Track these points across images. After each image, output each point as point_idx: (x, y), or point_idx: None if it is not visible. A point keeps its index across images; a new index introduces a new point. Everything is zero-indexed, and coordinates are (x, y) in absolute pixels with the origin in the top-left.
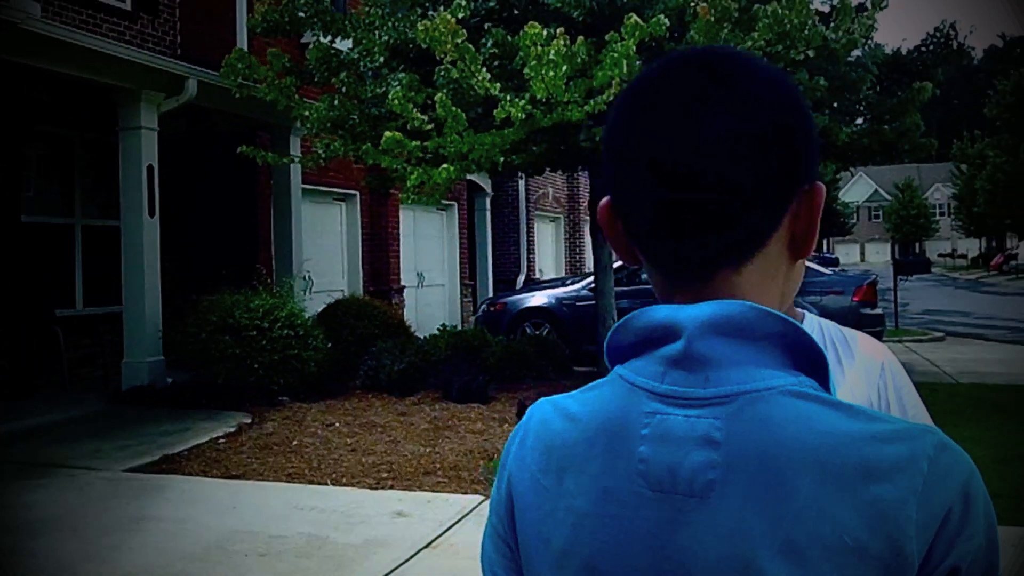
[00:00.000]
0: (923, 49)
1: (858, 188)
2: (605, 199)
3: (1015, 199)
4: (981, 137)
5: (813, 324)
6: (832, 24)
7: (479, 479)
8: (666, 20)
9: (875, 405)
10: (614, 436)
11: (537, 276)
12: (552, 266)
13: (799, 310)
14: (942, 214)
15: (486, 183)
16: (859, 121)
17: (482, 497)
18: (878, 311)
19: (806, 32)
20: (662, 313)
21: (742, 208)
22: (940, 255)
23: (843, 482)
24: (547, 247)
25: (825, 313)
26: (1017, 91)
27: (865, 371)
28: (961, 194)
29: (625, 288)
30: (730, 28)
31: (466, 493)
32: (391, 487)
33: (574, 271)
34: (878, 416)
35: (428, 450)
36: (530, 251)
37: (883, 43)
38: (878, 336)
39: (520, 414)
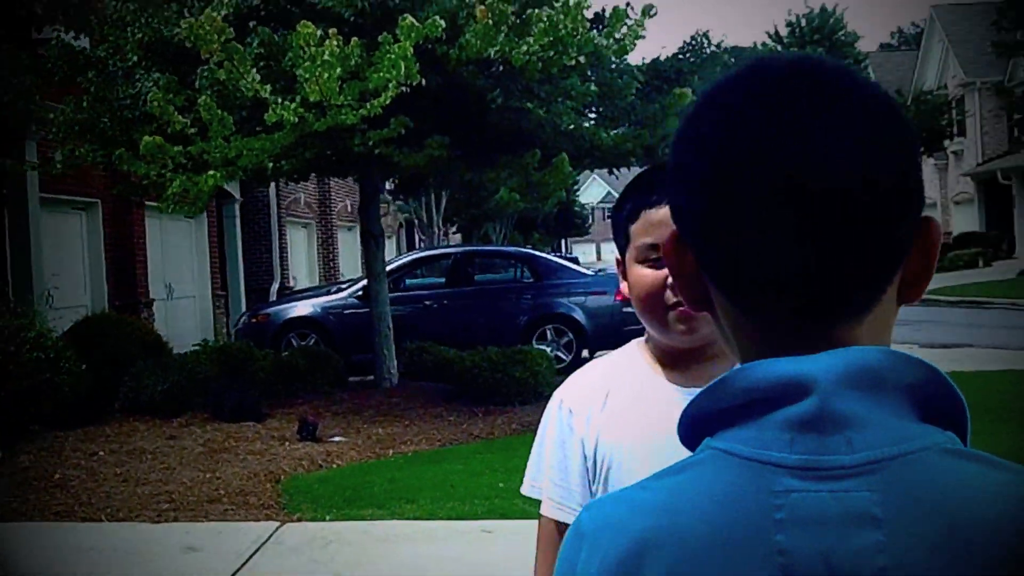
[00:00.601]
0: (680, 57)
1: (593, 190)
2: (672, 231)
3: None
4: None
5: None
6: (604, 30)
7: (269, 504)
8: (442, 22)
9: None
10: (736, 527)
11: (291, 285)
12: (306, 274)
13: None
14: None
15: (235, 189)
16: (622, 126)
17: (277, 523)
18: None
19: (578, 38)
20: (782, 367)
21: (873, 236)
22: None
23: None
24: (300, 254)
25: (589, 313)
26: None
27: None
28: None
29: (392, 294)
30: (506, 32)
31: (258, 520)
32: (175, 519)
33: (329, 279)
34: None
35: (208, 475)
36: (283, 259)
37: (645, 54)
38: (639, 334)
39: (301, 431)
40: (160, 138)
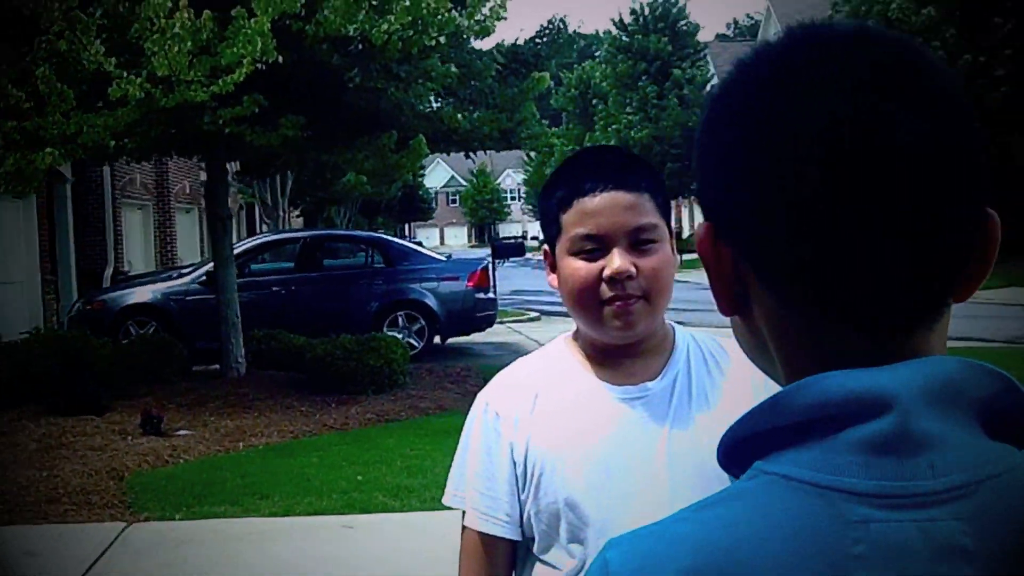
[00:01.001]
0: (538, 41)
1: (436, 174)
2: (705, 225)
3: None
4: (547, 126)
5: (686, 338)
6: (466, 11)
7: (113, 503)
8: None
9: None
10: (809, 564)
11: (127, 270)
12: (142, 259)
13: (668, 323)
14: (513, 199)
15: (67, 169)
16: (479, 110)
17: (123, 524)
18: (491, 295)
19: (440, 17)
20: (855, 381)
21: (954, 236)
22: (503, 238)
23: None
24: (136, 238)
25: (441, 299)
26: (580, 84)
27: (748, 388)
28: (532, 180)
29: (238, 280)
30: (367, 9)
31: (102, 521)
32: (11, 522)
33: (166, 264)
34: None
35: (45, 474)
36: (117, 243)
37: (504, 38)
38: (491, 320)
39: (144, 424)
40: None
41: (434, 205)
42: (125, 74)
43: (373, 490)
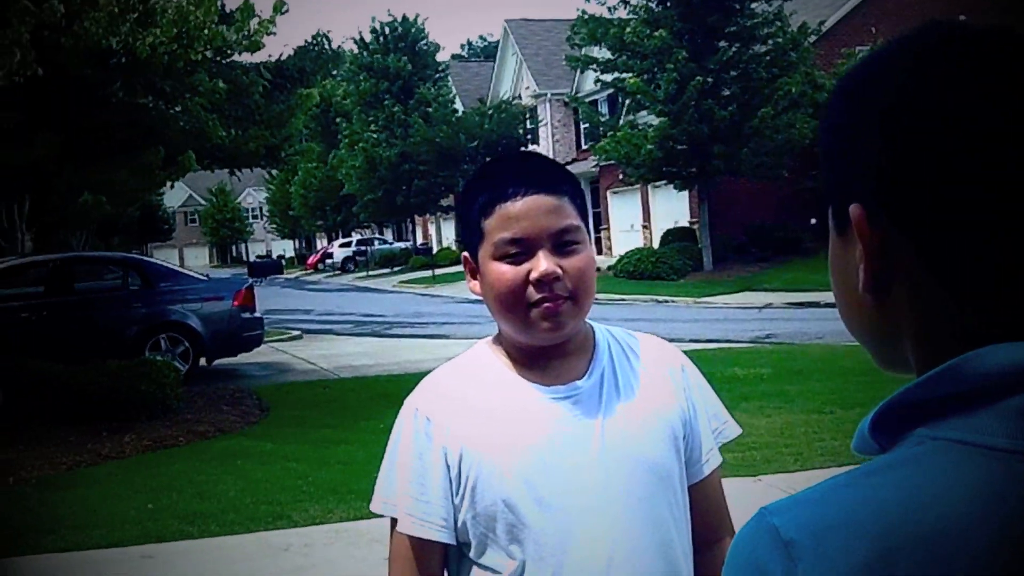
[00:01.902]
0: (302, 56)
1: (174, 193)
2: (859, 208)
3: (327, 202)
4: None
5: (605, 334)
6: (233, 25)
7: None
8: (61, 7)
9: (685, 411)
10: (995, 522)
11: None
12: None
13: (587, 322)
14: (255, 217)
15: None
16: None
17: None
18: (257, 315)
19: (206, 31)
20: None
21: None
22: (259, 257)
23: None
24: None
25: (204, 319)
26: (322, 102)
27: (666, 376)
28: (275, 198)
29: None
30: (132, 21)
31: None
32: None
33: None
34: None
35: None
36: None
37: (270, 53)
38: (258, 340)
39: None
40: None
41: (173, 225)
42: None
43: (167, 518)
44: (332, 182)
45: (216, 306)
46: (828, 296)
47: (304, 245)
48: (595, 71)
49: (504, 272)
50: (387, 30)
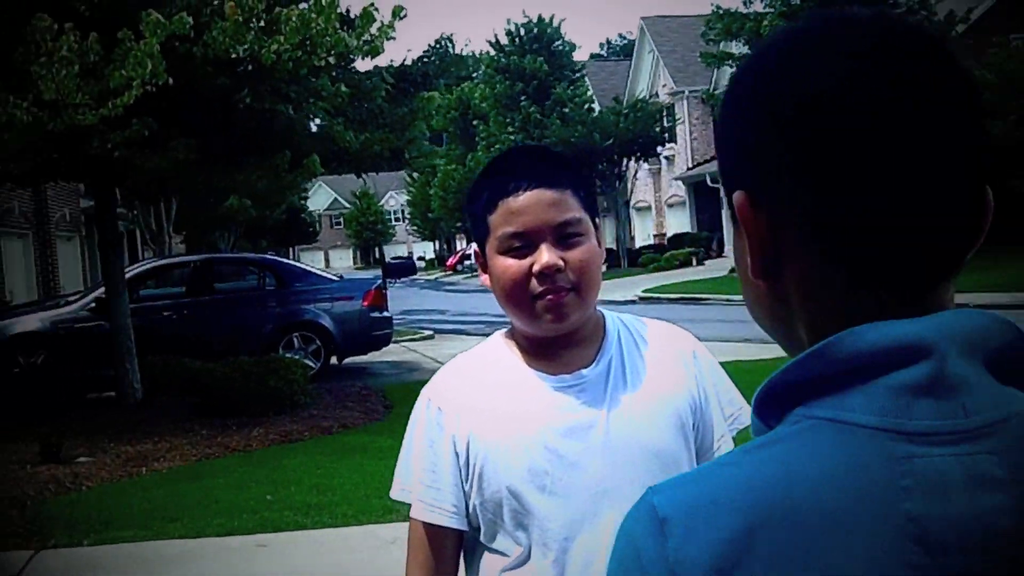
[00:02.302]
0: (426, 60)
1: (319, 197)
2: (742, 194)
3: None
4: (430, 147)
5: (615, 323)
6: (354, 31)
7: (17, 532)
8: (189, 19)
9: (695, 397)
10: (861, 498)
11: (8, 300)
12: (24, 288)
13: (599, 311)
14: (398, 219)
15: None
16: (370, 130)
17: (30, 552)
18: (387, 314)
19: (328, 38)
20: (897, 330)
21: (983, 190)
22: (394, 258)
23: None
24: (16, 267)
25: (336, 319)
26: (460, 105)
27: (675, 362)
28: (415, 200)
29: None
30: (256, 30)
31: (7, 550)
32: None
33: (48, 292)
34: None
35: None
36: None
37: (393, 58)
38: (387, 339)
39: (43, 452)
40: None
41: (318, 228)
42: (11, 98)
43: (283, 509)
44: (470, 184)
45: (347, 306)
46: None
47: (444, 247)
48: (731, 67)
49: (508, 265)
50: (522, 31)
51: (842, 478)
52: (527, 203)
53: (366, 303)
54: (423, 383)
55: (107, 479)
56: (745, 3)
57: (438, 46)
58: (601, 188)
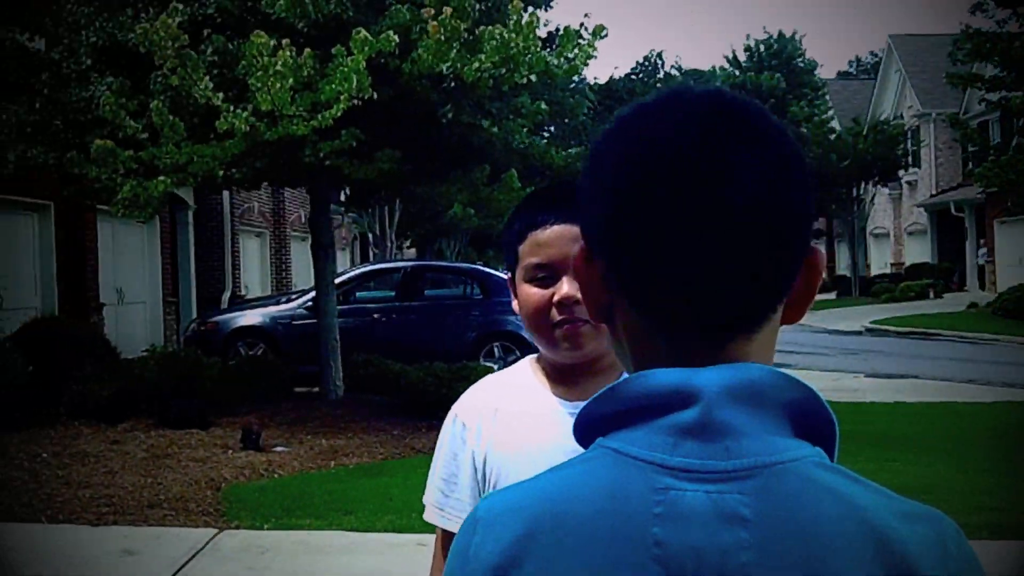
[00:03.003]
0: (633, 77)
1: None
2: (581, 246)
3: None
4: None
5: None
6: (555, 49)
7: (208, 511)
8: (395, 37)
9: None
10: (618, 518)
11: (243, 293)
12: (259, 283)
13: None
14: None
15: (188, 196)
16: (573, 146)
17: (215, 530)
18: None
19: (530, 57)
20: (671, 377)
21: (776, 260)
22: None
23: (881, 561)
24: (253, 263)
25: None
26: None
27: None
28: None
29: (342, 307)
30: (458, 49)
31: (197, 526)
32: (114, 522)
33: (281, 289)
34: (890, 492)
35: (150, 481)
36: (235, 267)
37: (597, 75)
38: None
39: (244, 439)
40: (111, 142)
41: None
42: (232, 108)
43: None
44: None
45: None
46: None
47: None
48: (980, 89)
49: (532, 294)
50: (761, 48)
51: (607, 500)
52: (553, 236)
53: None
54: None
55: (297, 469)
56: (999, 24)
57: (646, 63)
58: (835, 212)
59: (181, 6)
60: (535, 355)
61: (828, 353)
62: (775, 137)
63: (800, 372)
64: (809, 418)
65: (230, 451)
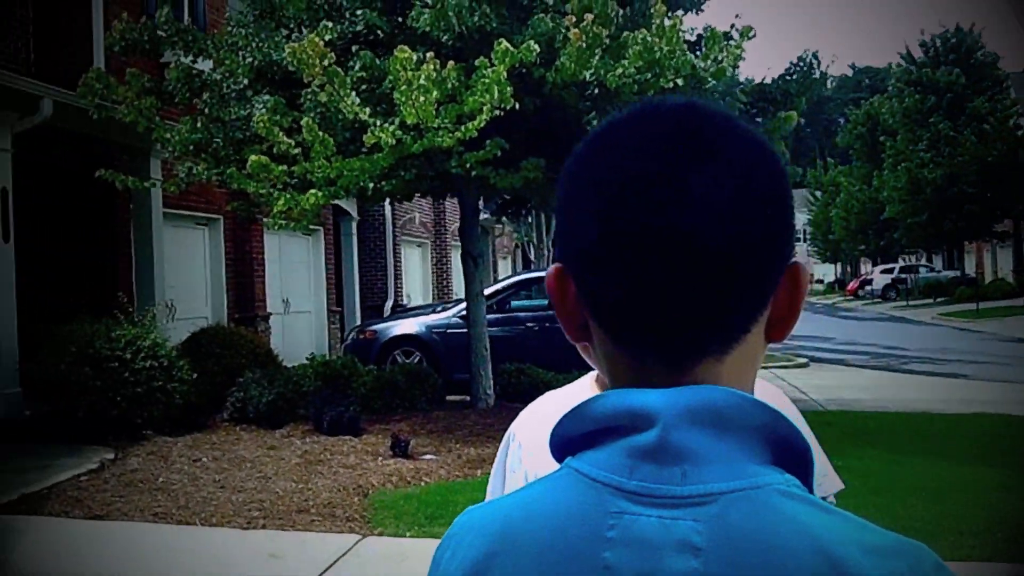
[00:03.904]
0: (787, 78)
1: None
2: (556, 264)
3: (869, 226)
4: (834, 165)
5: None
6: (701, 52)
7: (354, 516)
8: (536, 46)
9: None
10: (572, 540)
11: (405, 302)
12: (420, 292)
13: None
14: (798, 240)
15: (352, 207)
16: None
17: (359, 536)
18: None
19: (675, 60)
20: (631, 399)
21: (741, 282)
22: None
23: None
24: (415, 273)
25: None
26: (868, 120)
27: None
28: (816, 220)
29: (496, 316)
30: (600, 55)
31: (341, 532)
32: (263, 527)
33: (442, 297)
34: (867, 524)
35: (300, 486)
36: (397, 277)
37: (750, 75)
38: None
39: (394, 447)
40: (265, 158)
41: None
42: (378, 122)
43: None
44: (874, 204)
45: None
46: None
47: (845, 270)
48: None
49: None
50: (938, 43)
51: (563, 520)
52: None
53: None
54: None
55: (444, 478)
56: None
57: (800, 63)
58: (1022, 213)
59: (331, 24)
60: (595, 373)
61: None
62: (739, 154)
63: (975, 383)
64: (783, 444)
65: (380, 458)
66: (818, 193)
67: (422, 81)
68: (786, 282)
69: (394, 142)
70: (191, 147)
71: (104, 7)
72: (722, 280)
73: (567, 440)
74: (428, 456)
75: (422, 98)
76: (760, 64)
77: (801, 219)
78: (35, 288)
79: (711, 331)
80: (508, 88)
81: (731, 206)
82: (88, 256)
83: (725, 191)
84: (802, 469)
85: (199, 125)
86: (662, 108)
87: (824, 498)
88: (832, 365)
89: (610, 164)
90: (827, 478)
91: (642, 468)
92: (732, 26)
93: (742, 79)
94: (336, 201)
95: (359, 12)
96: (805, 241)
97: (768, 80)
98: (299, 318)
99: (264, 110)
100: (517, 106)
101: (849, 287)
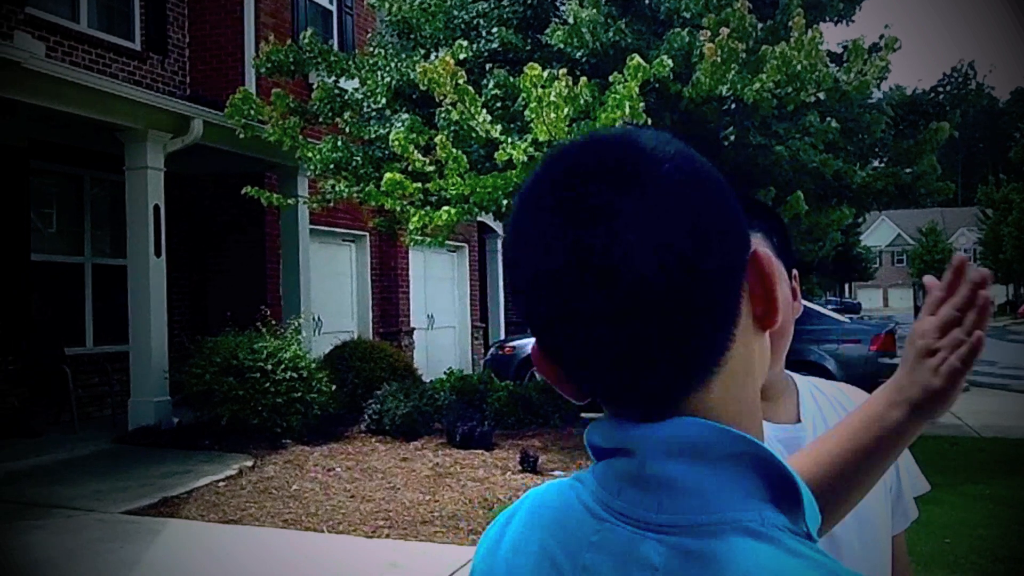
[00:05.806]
0: (940, 90)
1: (880, 232)
2: (535, 342)
3: None
4: (1007, 181)
5: (807, 385)
6: (844, 65)
7: (477, 529)
8: (669, 61)
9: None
10: (564, 539)
11: None
12: None
13: (787, 374)
14: (970, 260)
15: (496, 224)
16: (875, 163)
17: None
18: (897, 360)
19: (816, 74)
20: (618, 431)
21: (695, 322)
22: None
23: None
24: None
25: (841, 361)
26: None
27: None
28: (987, 239)
29: None
30: (737, 69)
31: (463, 544)
32: (387, 536)
33: None
34: (838, 570)
35: (427, 498)
36: None
37: (902, 85)
38: None
39: (523, 462)
40: (399, 175)
41: (877, 264)
42: (510, 139)
43: None
44: None
45: (854, 349)
46: None
47: (1017, 291)
48: None
49: None
50: None
51: (560, 522)
52: None
53: (875, 347)
54: (927, 437)
55: None
56: None
57: (955, 74)
58: None
59: (466, 43)
60: None
61: None
62: (666, 185)
63: None
64: (772, 475)
65: (508, 473)
66: (989, 211)
67: (552, 98)
68: (751, 275)
69: (526, 159)
70: (331, 165)
71: (255, 30)
72: (659, 319)
73: (594, 448)
74: (557, 472)
75: (553, 115)
76: (911, 73)
77: (971, 238)
78: (187, 301)
79: (683, 374)
80: (640, 103)
81: (646, 242)
82: (237, 271)
83: (637, 226)
84: (792, 499)
85: (339, 144)
86: (566, 150)
87: (916, 497)
88: (994, 390)
89: (526, 217)
90: (919, 479)
91: (627, 491)
92: (881, 36)
93: (889, 87)
94: (481, 218)
95: (495, 30)
96: (975, 260)
97: (919, 91)
98: (443, 333)
99: (401, 128)
100: (649, 121)
101: (1020, 310)
